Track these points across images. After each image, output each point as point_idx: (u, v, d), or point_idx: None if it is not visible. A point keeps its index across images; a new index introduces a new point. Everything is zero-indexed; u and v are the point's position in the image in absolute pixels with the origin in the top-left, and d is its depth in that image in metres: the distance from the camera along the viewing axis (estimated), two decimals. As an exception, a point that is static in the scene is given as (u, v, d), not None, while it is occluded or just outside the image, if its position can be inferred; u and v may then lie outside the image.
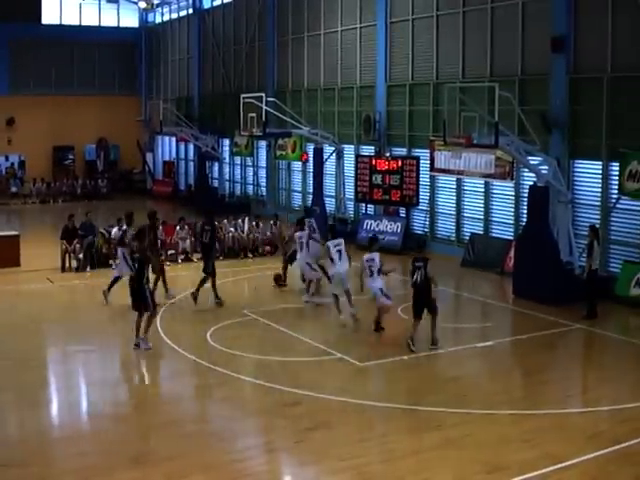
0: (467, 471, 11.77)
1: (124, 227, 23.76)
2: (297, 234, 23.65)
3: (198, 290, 21.98)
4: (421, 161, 30.69)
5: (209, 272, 22.16)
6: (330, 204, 35.39)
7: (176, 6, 54.11)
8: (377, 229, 31.44)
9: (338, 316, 20.27)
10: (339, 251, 20.78)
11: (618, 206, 23.78)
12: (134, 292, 18.31)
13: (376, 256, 19.52)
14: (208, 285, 22.23)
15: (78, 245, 27.27)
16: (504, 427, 13.71)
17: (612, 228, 24.06)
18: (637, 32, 23.00)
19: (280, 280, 24.70)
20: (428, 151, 29.88)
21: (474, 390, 15.72)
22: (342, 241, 21.16)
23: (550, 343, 19.24)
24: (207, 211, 24.27)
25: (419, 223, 31.69)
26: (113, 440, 13.13)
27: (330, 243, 21.07)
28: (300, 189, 39.93)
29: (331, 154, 35.16)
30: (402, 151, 32.40)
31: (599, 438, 13.04)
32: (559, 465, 11.90)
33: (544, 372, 16.97)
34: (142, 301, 18.15)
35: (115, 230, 28.06)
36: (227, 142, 46.49)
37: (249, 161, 45.06)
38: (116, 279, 22.42)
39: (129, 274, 19.95)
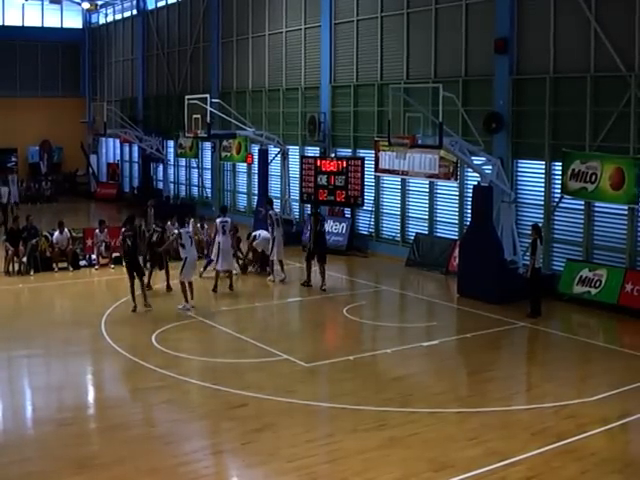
0: (413, 470, 11.79)
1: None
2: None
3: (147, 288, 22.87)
4: (366, 162, 30.77)
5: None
6: (276, 205, 35.17)
7: (120, 7, 53.65)
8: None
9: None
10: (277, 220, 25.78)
11: (561, 205, 24.08)
12: None
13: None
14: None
15: (22, 248, 26.87)
16: (450, 425, 13.79)
17: (555, 227, 24.35)
18: (579, 34, 23.31)
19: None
20: (373, 152, 30.01)
21: (419, 389, 15.79)
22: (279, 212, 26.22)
23: (495, 341, 19.43)
24: (129, 217, 22.90)
25: (364, 223, 31.77)
26: (58, 445, 12.92)
27: (272, 212, 26.07)
28: (245, 190, 39.87)
29: (276, 155, 35.12)
30: (347, 152, 32.47)
31: (544, 434, 13.16)
32: (505, 462, 11.98)
33: (489, 370, 17.13)
34: None
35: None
36: (172, 144, 46.16)
37: (194, 163, 44.86)
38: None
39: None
